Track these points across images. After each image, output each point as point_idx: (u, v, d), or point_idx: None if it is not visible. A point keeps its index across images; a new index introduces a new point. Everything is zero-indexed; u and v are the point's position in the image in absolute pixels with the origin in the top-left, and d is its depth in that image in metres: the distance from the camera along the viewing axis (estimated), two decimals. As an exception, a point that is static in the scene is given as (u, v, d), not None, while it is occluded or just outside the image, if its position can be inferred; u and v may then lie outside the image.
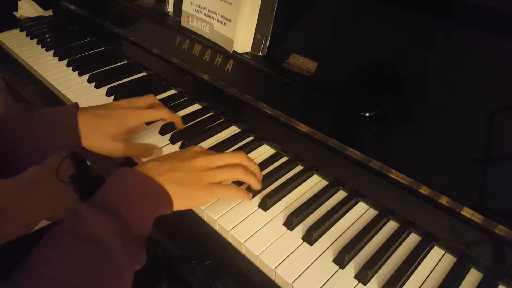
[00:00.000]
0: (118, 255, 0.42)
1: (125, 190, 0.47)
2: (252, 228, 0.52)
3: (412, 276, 0.48)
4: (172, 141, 0.67)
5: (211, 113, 0.75)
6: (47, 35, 1.04)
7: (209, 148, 0.64)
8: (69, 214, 0.44)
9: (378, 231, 0.53)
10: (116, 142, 0.60)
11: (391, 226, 0.54)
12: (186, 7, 0.77)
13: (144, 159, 0.62)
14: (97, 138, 0.59)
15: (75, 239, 0.41)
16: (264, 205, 0.55)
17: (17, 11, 1.14)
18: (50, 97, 0.84)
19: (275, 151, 0.66)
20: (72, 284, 0.38)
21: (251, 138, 0.69)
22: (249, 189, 0.57)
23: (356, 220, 0.55)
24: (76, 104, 0.62)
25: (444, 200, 0.49)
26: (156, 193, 0.48)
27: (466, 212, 0.47)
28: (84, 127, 0.58)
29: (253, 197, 0.57)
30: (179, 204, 0.50)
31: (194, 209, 0.56)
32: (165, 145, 0.66)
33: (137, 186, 0.48)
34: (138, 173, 0.49)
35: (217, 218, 0.53)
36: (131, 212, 0.45)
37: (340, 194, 0.59)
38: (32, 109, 0.67)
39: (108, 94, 0.80)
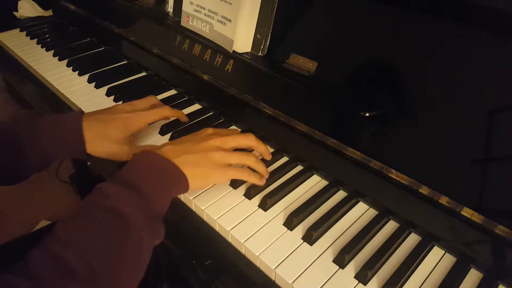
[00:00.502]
0: (138, 228, 0.44)
1: (145, 170, 0.50)
2: (252, 228, 0.52)
3: (412, 276, 0.48)
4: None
5: (211, 113, 0.75)
6: (47, 35, 1.04)
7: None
8: (93, 190, 0.46)
9: (378, 231, 0.53)
10: (121, 146, 0.61)
11: (391, 226, 0.54)
12: (186, 7, 0.77)
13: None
14: (103, 143, 0.59)
15: (97, 211, 0.44)
16: (264, 205, 0.55)
17: (17, 11, 1.14)
18: (50, 97, 0.84)
19: (274, 151, 0.66)
20: (93, 252, 0.40)
21: (251, 138, 0.69)
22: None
23: (356, 220, 0.55)
24: (81, 111, 0.63)
25: (444, 200, 0.49)
26: (173, 174, 0.51)
27: (466, 212, 0.47)
28: (89, 133, 0.59)
29: (253, 196, 0.57)
30: (195, 183, 0.53)
31: (194, 209, 0.57)
32: (165, 145, 0.66)
33: (156, 167, 0.50)
34: (156, 155, 0.52)
35: (217, 218, 0.53)
36: (151, 189, 0.47)
37: (340, 194, 0.59)
38: (37, 115, 0.68)
39: (108, 94, 0.80)
